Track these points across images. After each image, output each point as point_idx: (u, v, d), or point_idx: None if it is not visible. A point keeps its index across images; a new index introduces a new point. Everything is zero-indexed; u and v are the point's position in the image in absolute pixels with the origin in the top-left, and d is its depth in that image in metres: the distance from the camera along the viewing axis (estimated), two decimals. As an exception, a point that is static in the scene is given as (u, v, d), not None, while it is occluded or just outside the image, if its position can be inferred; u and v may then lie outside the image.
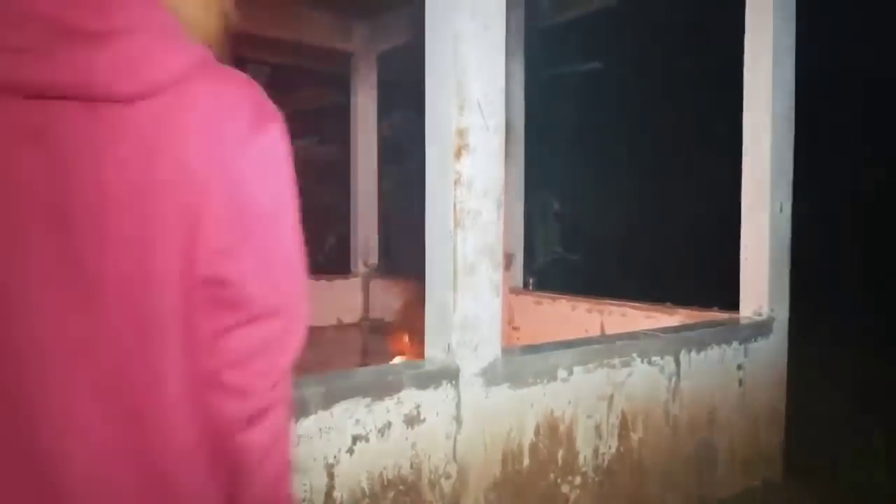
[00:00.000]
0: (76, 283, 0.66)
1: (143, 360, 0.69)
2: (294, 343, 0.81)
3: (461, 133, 2.02)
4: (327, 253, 8.41)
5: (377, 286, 6.39)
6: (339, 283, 6.26)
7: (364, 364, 4.58)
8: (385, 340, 5.16)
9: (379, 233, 6.68)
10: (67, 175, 0.66)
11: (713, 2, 5.24)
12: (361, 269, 6.52)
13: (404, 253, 7.56)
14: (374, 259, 6.59)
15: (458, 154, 2.02)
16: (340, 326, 6.14)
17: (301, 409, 1.74)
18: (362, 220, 6.51)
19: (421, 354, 3.22)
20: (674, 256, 8.46)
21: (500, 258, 2.15)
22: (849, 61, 7.58)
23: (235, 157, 0.72)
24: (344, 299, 6.28)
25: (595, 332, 4.16)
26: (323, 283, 6.09)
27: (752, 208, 3.24)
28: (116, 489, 0.68)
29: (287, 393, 0.80)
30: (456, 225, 2.03)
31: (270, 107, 0.78)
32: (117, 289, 0.67)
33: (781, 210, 3.24)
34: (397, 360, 3.72)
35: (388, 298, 6.27)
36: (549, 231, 7.66)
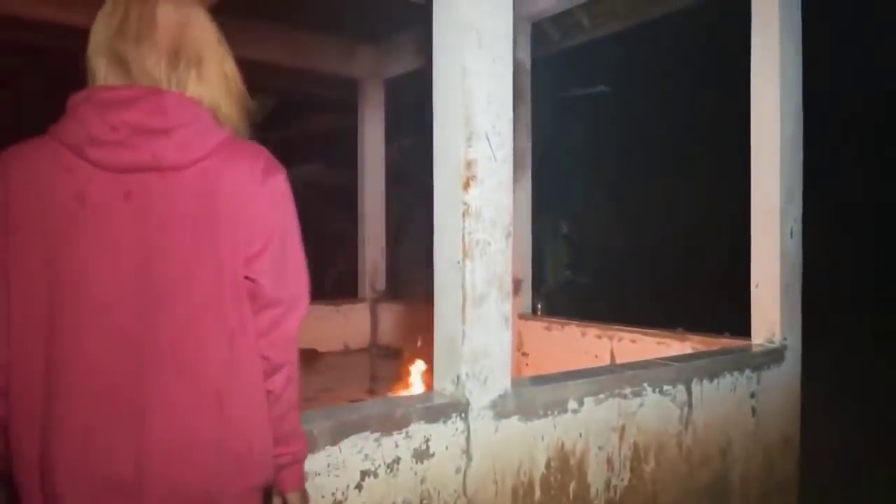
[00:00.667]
0: (147, 280, 1.09)
1: (214, 315, 1.12)
2: (293, 323, 1.22)
3: (469, 164, 2.02)
4: (335, 277, 8.41)
5: (385, 310, 6.38)
6: (347, 308, 6.25)
7: (372, 391, 4.55)
8: (393, 366, 5.14)
9: (387, 257, 6.69)
10: (146, 217, 1.09)
11: (718, 26, 5.27)
12: (369, 293, 6.52)
13: (412, 276, 7.56)
14: (381, 283, 6.58)
15: (466, 185, 2.02)
16: (348, 352, 6.12)
17: (309, 445, 1.72)
18: (370, 245, 6.52)
19: (431, 380, 3.21)
20: (681, 278, 8.41)
21: (509, 289, 2.14)
22: (856, 79, 7.59)
23: (255, 197, 1.16)
24: (352, 324, 6.28)
25: (605, 358, 4.13)
26: (331, 308, 6.09)
27: (761, 233, 3.22)
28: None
29: (293, 355, 1.24)
30: (464, 255, 2.02)
31: (275, 162, 1.22)
32: (180, 284, 1.10)
33: (792, 235, 3.22)
34: (410, 384, 3.71)
35: (396, 323, 6.26)
36: (558, 253, 7.65)
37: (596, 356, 4.16)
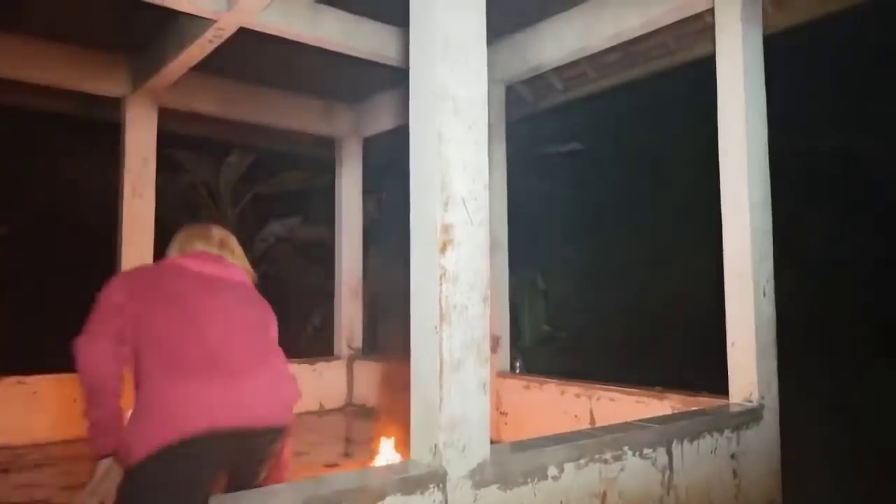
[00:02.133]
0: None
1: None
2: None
3: (446, 229, 2.03)
4: (311, 333, 8.29)
5: (361, 368, 6.28)
6: (322, 367, 6.15)
7: (347, 455, 4.43)
8: (369, 427, 5.02)
9: (364, 314, 6.63)
10: (214, 289, 2.04)
11: (689, 83, 5.46)
12: (346, 351, 6.43)
13: (389, 333, 7.47)
14: (358, 340, 6.50)
15: (443, 249, 2.02)
16: (322, 412, 5.98)
17: (280, 522, 1.65)
18: (346, 302, 6.47)
19: (407, 441, 3.17)
20: (658, 334, 8.44)
21: (487, 354, 2.12)
22: (817, 138, 7.87)
23: (274, 325, 2.19)
24: (327, 383, 6.16)
25: (584, 417, 4.08)
26: (305, 366, 5.98)
27: (735, 294, 3.25)
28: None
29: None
30: (441, 320, 2.00)
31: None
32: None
33: (765, 294, 3.26)
34: (383, 448, 3.60)
35: (372, 382, 6.15)
36: (536, 309, 7.65)
37: (576, 416, 4.12)
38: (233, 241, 2.23)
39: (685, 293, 8.25)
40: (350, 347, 6.43)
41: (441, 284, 2.01)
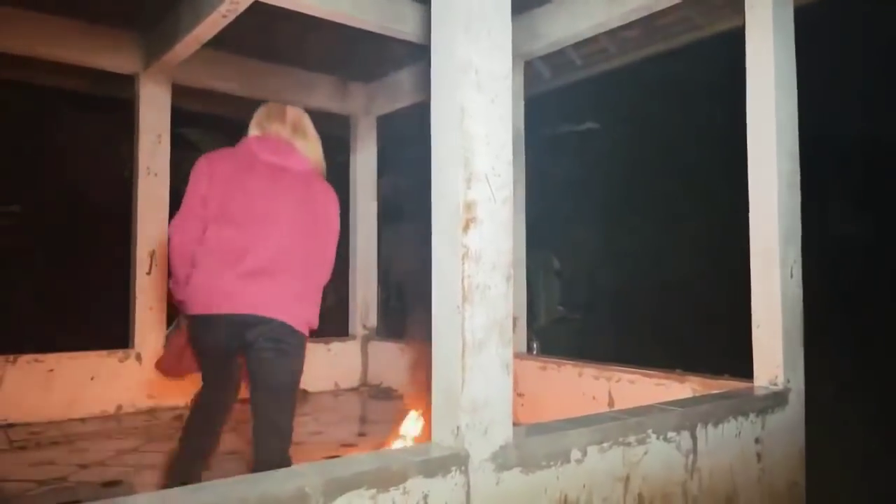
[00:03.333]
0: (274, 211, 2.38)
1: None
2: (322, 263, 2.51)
3: (469, 206, 1.97)
4: (325, 313, 8.28)
5: (376, 349, 6.27)
6: (337, 347, 6.14)
7: (363, 434, 4.42)
8: (384, 407, 5.01)
9: (379, 294, 6.60)
10: (277, 187, 2.39)
11: (712, 60, 5.32)
12: (360, 331, 6.41)
13: (406, 313, 7.44)
14: (373, 321, 6.48)
15: (465, 227, 1.96)
16: (338, 391, 5.99)
17: (301, 504, 1.62)
18: (361, 282, 6.44)
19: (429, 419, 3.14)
20: (676, 316, 8.36)
21: (509, 334, 2.06)
22: (841, 124, 7.69)
23: (328, 198, 2.51)
24: (342, 363, 6.15)
25: (603, 399, 4.04)
26: (320, 346, 5.96)
27: (761, 275, 3.17)
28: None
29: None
30: (464, 300, 1.95)
31: (332, 189, 2.54)
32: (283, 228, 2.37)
33: (792, 275, 3.18)
34: (407, 424, 3.57)
35: (387, 361, 6.13)
36: (551, 290, 7.59)
37: (594, 397, 4.07)
38: (305, 123, 2.56)
39: (702, 275, 8.16)
40: (365, 327, 6.41)
41: (463, 264, 1.95)
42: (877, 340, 7.33)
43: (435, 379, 2.05)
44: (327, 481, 1.68)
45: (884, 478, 3.85)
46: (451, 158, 2.00)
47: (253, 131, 2.52)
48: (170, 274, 2.49)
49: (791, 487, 3.04)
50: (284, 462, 2.33)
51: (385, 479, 1.77)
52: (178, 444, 2.63)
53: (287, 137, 2.48)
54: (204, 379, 2.58)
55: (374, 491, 1.74)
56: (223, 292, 2.30)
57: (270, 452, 2.33)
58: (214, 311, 2.31)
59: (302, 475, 1.70)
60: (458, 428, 1.94)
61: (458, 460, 1.91)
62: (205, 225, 2.33)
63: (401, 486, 1.79)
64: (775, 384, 3.09)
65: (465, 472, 1.92)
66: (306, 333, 2.45)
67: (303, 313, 2.42)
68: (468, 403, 1.94)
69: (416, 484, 1.82)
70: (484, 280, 1.99)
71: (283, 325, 2.34)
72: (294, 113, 2.55)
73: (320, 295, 2.53)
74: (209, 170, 2.35)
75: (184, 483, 1.87)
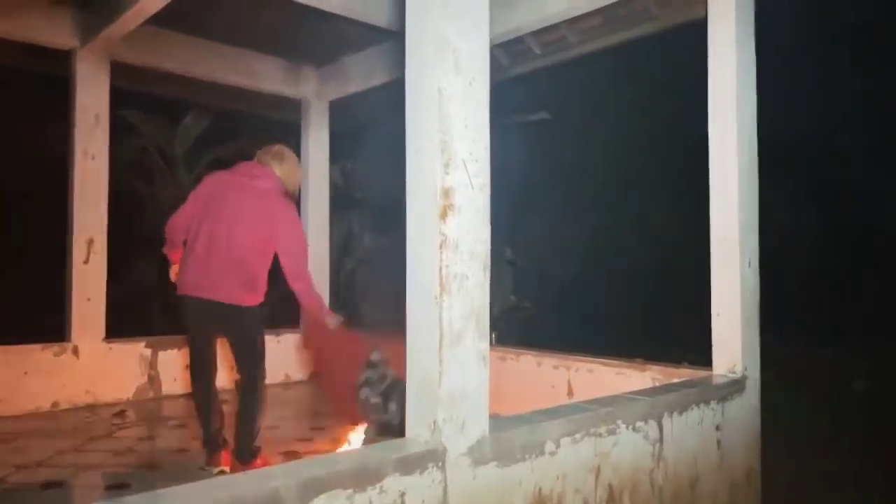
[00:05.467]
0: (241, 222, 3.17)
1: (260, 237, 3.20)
2: (293, 269, 3.22)
3: (447, 192, 1.89)
4: (275, 302, 8.06)
5: (328, 340, 6.11)
6: (288, 338, 5.96)
7: (317, 428, 4.30)
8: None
9: (331, 284, 6.44)
10: (243, 202, 3.18)
11: (668, 52, 5.38)
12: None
13: (357, 301, 7.31)
14: (325, 311, 6.32)
15: (443, 214, 1.88)
16: (288, 384, 5.83)
17: (274, 507, 1.52)
18: (313, 270, 6.26)
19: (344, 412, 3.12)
20: (627, 305, 8.52)
21: (486, 325, 2.01)
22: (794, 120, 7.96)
23: (284, 211, 3.23)
24: (292, 353, 5.98)
25: (562, 388, 4.05)
26: (270, 337, 5.76)
27: (721, 265, 3.22)
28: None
29: (306, 278, 3.25)
30: (442, 290, 1.87)
31: (291, 203, 3.33)
32: (238, 232, 3.15)
33: (750, 265, 3.24)
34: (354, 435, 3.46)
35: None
36: (503, 279, 7.60)
37: (553, 387, 4.08)
38: (286, 153, 3.39)
39: (654, 264, 8.33)
40: (316, 318, 6.25)
41: (441, 252, 1.88)
42: (814, 326, 7.66)
43: (410, 371, 1.97)
44: (301, 482, 1.59)
45: (832, 461, 4.01)
46: (428, 143, 1.91)
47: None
48: (166, 246, 3.38)
49: (748, 473, 3.11)
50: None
51: (362, 478, 1.69)
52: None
53: (266, 161, 3.33)
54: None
55: (350, 491, 1.66)
56: (193, 280, 3.18)
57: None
58: (187, 293, 3.19)
59: (275, 477, 1.60)
60: (434, 422, 1.87)
61: (435, 456, 1.84)
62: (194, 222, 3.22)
63: (378, 486, 1.72)
64: (734, 372, 3.14)
65: (443, 468, 1.86)
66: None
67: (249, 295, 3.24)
68: (446, 397, 1.87)
69: (393, 482, 1.75)
70: (462, 269, 1.92)
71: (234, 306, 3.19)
72: (280, 146, 3.43)
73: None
74: (203, 186, 3.27)
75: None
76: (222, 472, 3.20)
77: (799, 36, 7.84)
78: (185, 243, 3.26)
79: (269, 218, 3.15)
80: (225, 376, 3.77)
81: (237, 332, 3.22)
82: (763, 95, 3.37)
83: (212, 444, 3.28)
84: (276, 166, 3.30)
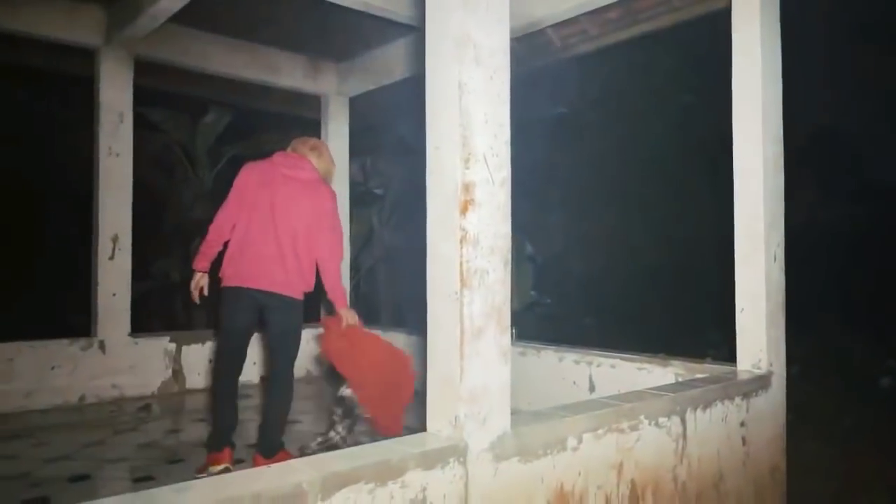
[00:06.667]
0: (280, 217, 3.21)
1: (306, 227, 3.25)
2: (330, 265, 3.29)
3: (467, 188, 1.88)
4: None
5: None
6: (308, 333, 5.98)
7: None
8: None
9: (350, 278, 6.46)
10: (293, 193, 3.24)
11: (686, 46, 5.30)
12: (333, 317, 6.27)
13: (380, 299, 7.33)
14: (345, 306, 6.34)
15: (464, 209, 1.88)
16: (311, 378, 5.87)
17: (298, 499, 1.53)
18: (333, 266, 6.29)
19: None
20: (647, 301, 8.44)
21: (507, 321, 2.00)
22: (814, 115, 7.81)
23: (328, 201, 3.32)
24: (314, 349, 6.01)
25: (584, 384, 4.02)
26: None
27: (745, 259, 3.17)
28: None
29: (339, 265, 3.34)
30: (462, 286, 1.87)
31: (332, 190, 3.40)
32: (287, 222, 3.20)
33: (775, 259, 3.19)
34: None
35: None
36: (523, 275, 7.56)
37: (574, 382, 4.06)
38: (321, 147, 3.47)
39: (675, 260, 8.23)
40: (336, 313, 6.28)
41: (462, 247, 1.87)
42: (840, 321, 7.53)
43: (431, 367, 1.97)
44: (325, 476, 1.60)
45: (859, 459, 3.93)
46: (448, 137, 1.91)
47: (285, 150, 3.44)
48: (203, 242, 3.29)
49: (773, 470, 3.07)
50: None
51: (384, 473, 1.70)
52: None
53: (304, 153, 3.38)
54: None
55: (372, 485, 1.67)
56: (241, 271, 3.19)
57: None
58: (234, 284, 3.19)
59: (298, 471, 1.61)
60: (456, 418, 1.87)
61: (456, 451, 1.84)
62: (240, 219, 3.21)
63: (399, 480, 1.72)
64: (759, 368, 3.10)
65: (464, 464, 1.85)
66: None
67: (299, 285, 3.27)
68: (467, 393, 1.87)
69: (415, 477, 1.75)
70: (482, 264, 1.92)
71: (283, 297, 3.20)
72: (316, 140, 3.52)
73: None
74: (246, 176, 3.24)
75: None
76: (227, 470, 3.02)
77: (831, 26, 7.69)
78: (225, 244, 3.23)
79: (318, 207, 3.21)
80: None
81: (283, 323, 3.19)
82: (789, 87, 3.31)
83: (219, 442, 3.14)
84: (315, 159, 3.35)
